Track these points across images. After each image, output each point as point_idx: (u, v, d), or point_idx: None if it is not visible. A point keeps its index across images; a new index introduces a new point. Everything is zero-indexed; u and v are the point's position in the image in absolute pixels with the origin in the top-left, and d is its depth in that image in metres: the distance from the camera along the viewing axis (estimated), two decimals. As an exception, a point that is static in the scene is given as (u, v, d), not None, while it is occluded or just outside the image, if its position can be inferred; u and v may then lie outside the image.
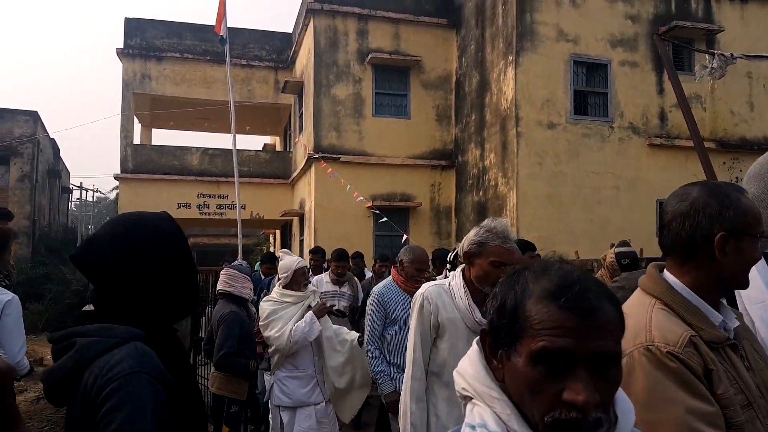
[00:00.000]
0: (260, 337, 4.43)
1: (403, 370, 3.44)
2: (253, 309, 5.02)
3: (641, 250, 8.64)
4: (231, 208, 16.32)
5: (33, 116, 21.04)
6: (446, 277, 4.30)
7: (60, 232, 24.54)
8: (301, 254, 13.45)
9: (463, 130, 13.62)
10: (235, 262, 5.07)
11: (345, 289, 6.22)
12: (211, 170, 16.78)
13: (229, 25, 12.99)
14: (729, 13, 12.51)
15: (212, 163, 16.85)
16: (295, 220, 16.16)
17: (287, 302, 4.24)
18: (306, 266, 4.39)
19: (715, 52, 9.76)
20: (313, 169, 13.39)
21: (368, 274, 7.81)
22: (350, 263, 7.04)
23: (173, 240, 1.35)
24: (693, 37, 12.09)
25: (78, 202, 30.48)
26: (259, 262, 9.67)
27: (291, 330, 4.11)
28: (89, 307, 3.95)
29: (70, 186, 29.03)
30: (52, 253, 19.58)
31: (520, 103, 11.15)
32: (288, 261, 4.34)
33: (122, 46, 16.66)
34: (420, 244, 9.93)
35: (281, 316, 4.18)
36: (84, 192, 28.91)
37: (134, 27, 16.91)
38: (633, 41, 11.81)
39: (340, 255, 6.20)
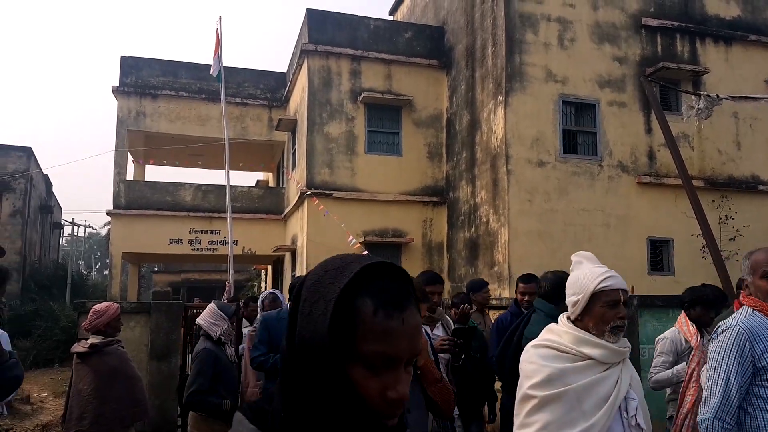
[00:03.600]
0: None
1: None
2: (230, 350, 4.51)
3: (633, 287, 8.67)
4: (223, 244, 16.30)
5: (26, 152, 21.13)
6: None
7: (50, 268, 24.34)
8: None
9: (455, 167, 13.76)
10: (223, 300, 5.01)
11: (439, 331, 3.97)
12: (204, 206, 16.83)
13: (225, 64, 13.23)
14: (714, 55, 12.84)
15: (205, 198, 16.92)
16: (287, 255, 16.12)
17: (589, 359, 2.11)
18: (620, 289, 2.19)
19: (702, 93, 10.00)
20: (305, 204, 13.44)
21: None
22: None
23: None
24: (679, 78, 12.36)
25: (69, 238, 30.29)
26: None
27: None
28: (82, 346, 3.92)
29: (62, 221, 28.90)
30: (41, 289, 19.41)
31: (510, 141, 11.31)
32: (585, 273, 2.22)
33: (117, 84, 16.86)
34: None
35: (568, 394, 2.05)
36: (75, 227, 28.76)
37: (130, 65, 17.15)
38: (621, 82, 12.07)
39: (432, 278, 3.86)
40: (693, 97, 9.89)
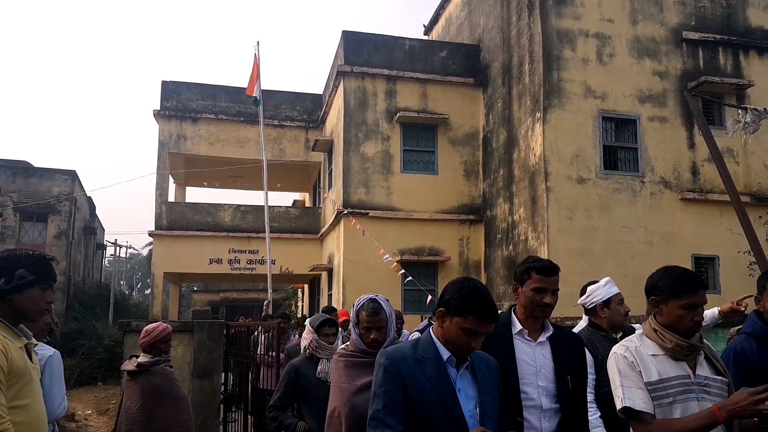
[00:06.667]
0: None
1: None
2: (322, 366, 3.90)
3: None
4: (261, 263, 16.49)
5: (71, 175, 21.84)
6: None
7: (94, 288, 24.96)
8: (326, 305, 13.37)
9: (492, 185, 13.66)
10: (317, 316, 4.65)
11: (704, 371, 2.48)
12: (243, 226, 17.10)
13: (263, 87, 13.49)
14: (758, 67, 12.52)
15: (244, 219, 17.19)
16: (324, 274, 16.19)
17: None
18: None
19: (748, 106, 9.73)
20: (342, 224, 13.51)
21: (405, 334, 5.86)
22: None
23: None
24: (722, 92, 12.08)
25: (111, 258, 31.09)
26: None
27: None
28: (131, 364, 3.98)
29: (105, 242, 29.70)
30: (85, 309, 19.89)
31: (549, 158, 11.19)
32: None
33: (159, 108, 17.35)
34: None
35: None
36: (117, 248, 29.51)
37: (170, 89, 17.64)
38: (662, 97, 11.85)
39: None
40: (739, 111, 9.63)
